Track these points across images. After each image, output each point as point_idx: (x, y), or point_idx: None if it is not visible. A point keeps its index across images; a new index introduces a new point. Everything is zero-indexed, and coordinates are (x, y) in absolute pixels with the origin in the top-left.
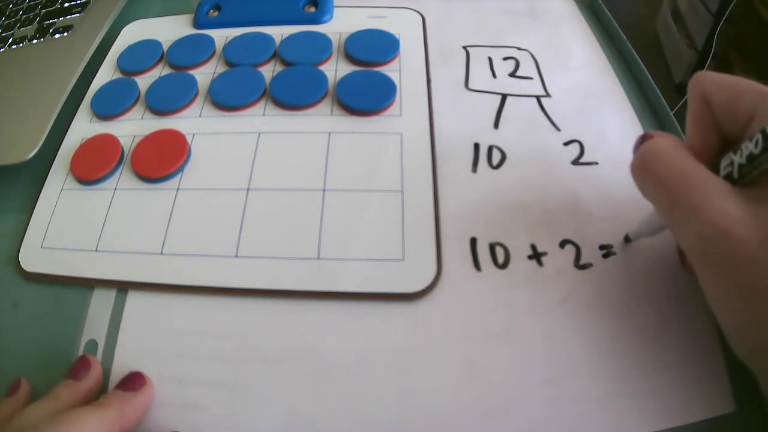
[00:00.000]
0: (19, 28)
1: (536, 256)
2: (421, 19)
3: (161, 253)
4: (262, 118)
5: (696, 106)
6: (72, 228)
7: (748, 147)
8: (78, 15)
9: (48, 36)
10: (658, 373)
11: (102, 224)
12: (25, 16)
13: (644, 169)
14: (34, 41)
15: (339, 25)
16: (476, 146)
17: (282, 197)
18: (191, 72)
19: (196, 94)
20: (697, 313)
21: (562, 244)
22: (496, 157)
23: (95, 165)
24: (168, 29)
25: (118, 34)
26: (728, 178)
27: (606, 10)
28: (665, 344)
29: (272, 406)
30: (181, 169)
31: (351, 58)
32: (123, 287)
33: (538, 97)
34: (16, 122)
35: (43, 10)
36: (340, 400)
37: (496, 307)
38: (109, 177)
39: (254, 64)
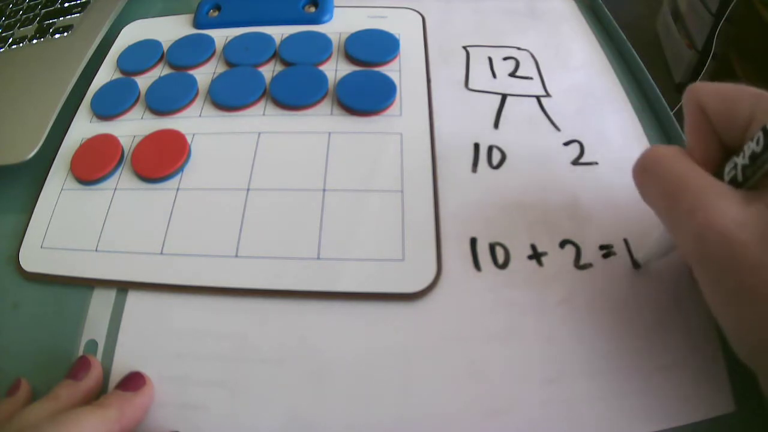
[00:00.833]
0: (19, 28)
1: (536, 256)
2: (421, 19)
3: (161, 253)
4: (262, 118)
5: (693, 118)
6: (72, 228)
7: (750, 147)
8: (78, 15)
9: (48, 36)
10: (657, 373)
11: (102, 224)
12: (25, 16)
13: (644, 172)
14: (34, 41)
15: (339, 25)
16: (476, 146)
17: (282, 197)
18: (191, 72)
19: (196, 94)
20: (697, 313)
21: (562, 244)
22: (496, 157)
23: (95, 165)
24: (168, 29)
25: (118, 34)
26: (733, 182)
27: (606, 10)
28: (665, 344)
29: (272, 406)
30: (181, 169)
31: (351, 58)
32: (123, 287)
33: (538, 97)
34: (16, 122)
35: (43, 10)
36: (340, 400)
37: (496, 307)
38: (109, 177)
39: (254, 64)
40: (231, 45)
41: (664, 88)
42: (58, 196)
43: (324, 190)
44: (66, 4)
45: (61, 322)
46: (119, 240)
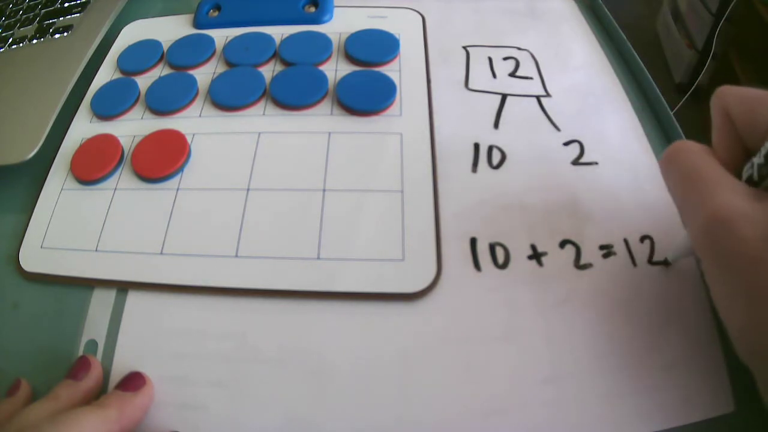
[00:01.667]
0: (19, 28)
1: (536, 256)
2: (421, 19)
3: (161, 253)
4: (262, 118)
5: (719, 121)
6: (72, 228)
7: (766, 146)
8: (78, 15)
9: (48, 36)
10: (657, 373)
11: (102, 224)
12: (25, 16)
13: (668, 161)
14: (34, 41)
15: (339, 25)
16: (476, 146)
17: (282, 197)
18: (191, 72)
19: (196, 94)
20: (697, 313)
21: (562, 244)
22: (496, 157)
23: (95, 165)
24: (168, 29)
25: (118, 34)
26: (749, 181)
27: (606, 10)
28: (665, 344)
29: (272, 406)
30: (181, 169)
31: (351, 58)
32: (123, 287)
33: (538, 97)
34: (16, 122)
35: (43, 10)
36: (339, 400)
37: (496, 307)
38: (109, 177)
39: (254, 64)
40: (231, 45)
41: (664, 88)
42: (58, 196)
43: (324, 190)
44: (66, 4)
45: (61, 322)
46: (119, 240)
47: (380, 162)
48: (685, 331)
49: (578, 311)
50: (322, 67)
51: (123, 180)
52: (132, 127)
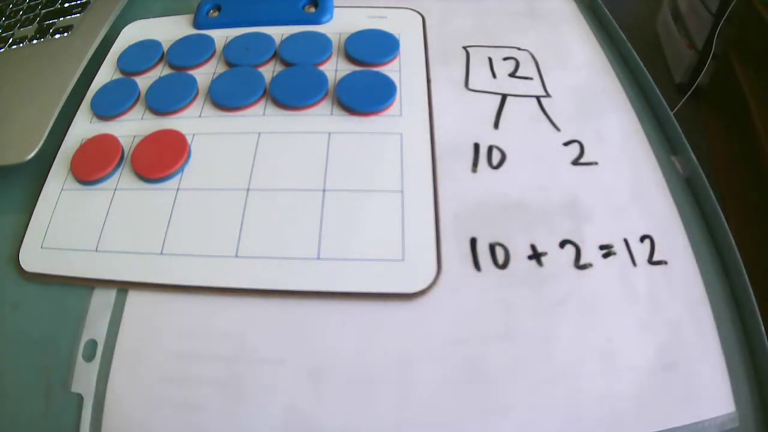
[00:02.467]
0: (19, 28)
1: (536, 256)
2: (421, 19)
3: (161, 253)
4: (262, 118)
5: None
6: (72, 228)
7: None
8: (78, 15)
9: (48, 36)
10: (658, 373)
11: (102, 224)
12: (25, 16)
13: None
14: (34, 41)
15: (339, 26)
16: (476, 146)
17: (282, 197)
18: (191, 72)
19: (196, 95)
20: (697, 313)
21: (562, 244)
22: (496, 157)
23: (95, 165)
24: (168, 29)
25: (118, 34)
26: None
27: (606, 10)
28: (665, 344)
29: (272, 405)
30: (181, 169)
31: (351, 59)
32: (123, 287)
33: (538, 97)
34: (16, 122)
35: (43, 10)
36: (339, 400)
37: (496, 307)
38: (109, 177)
39: (254, 64)
40: (231, 45)
41: (664, 88)
42: (58, 196)
43: (324, 190)
44: (66, 4)
45: (61, 322)
46: (119, 240)
47: (380, 162)
48: (685, 331)
49: (578, 311)
50: (322, 68)
51: (123, 180)
52: (132, 127)
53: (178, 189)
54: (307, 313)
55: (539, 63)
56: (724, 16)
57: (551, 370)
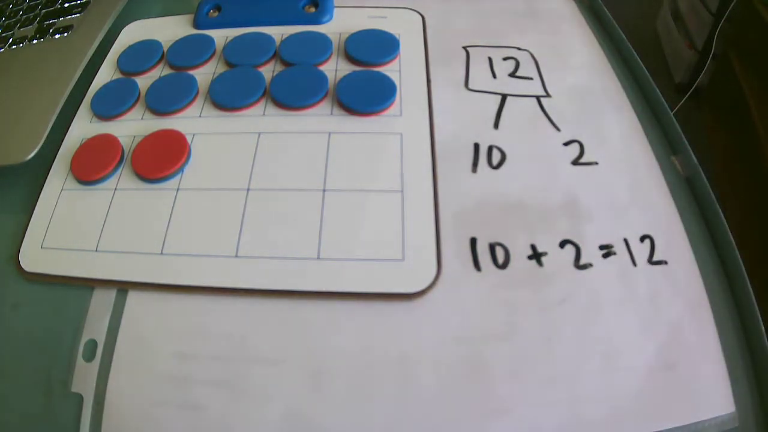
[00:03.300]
0: (19, 28)
1: (536, 256)
2: (421, 19)
3: (161, 253)
4: (262, 118)
5: None
6: (72, 228)
7: None
8: (78, 15)
9: (48, 36)
10: (658, 373)
11: (102, 224)
12: (25, 16)
13: None
14: (34, 41)
15: (339, 26)
16: (476, 146)
17: (282, 197)
18: (191, 72)
19: (196, 95)
20: (697, 313)
21: (562, 244)
22: (496, 157)
23: (95, 165)
24: (168, 29)
25: (118, 34)
26: None
27: (606, 10)
28: (665, 344)
29: (272, 406)
30: (181, 169)
31: (351, 59)
32: (123, 287)
33: (538, 97)
34: (16, 122)
35: (43, 10)
36: (339, 400)
37: (496, 307)
38: (109, 177)
39: (254, 64)
40: (231, 45)
41: (664, 88)
42: (58, 197)
43: (324, 190)
44: (66, 4)
45: (61, 322)
46: (119, 240)
47: (380, 162)
48: (685, 331)
49: (578, 311)
50: (322, 68)
51: (123, 180)
52: (132, 128)
53: (178, 189)
54: (307, 313)
55: (539, 63)
56: (724, 16)
57: (551, 369)
